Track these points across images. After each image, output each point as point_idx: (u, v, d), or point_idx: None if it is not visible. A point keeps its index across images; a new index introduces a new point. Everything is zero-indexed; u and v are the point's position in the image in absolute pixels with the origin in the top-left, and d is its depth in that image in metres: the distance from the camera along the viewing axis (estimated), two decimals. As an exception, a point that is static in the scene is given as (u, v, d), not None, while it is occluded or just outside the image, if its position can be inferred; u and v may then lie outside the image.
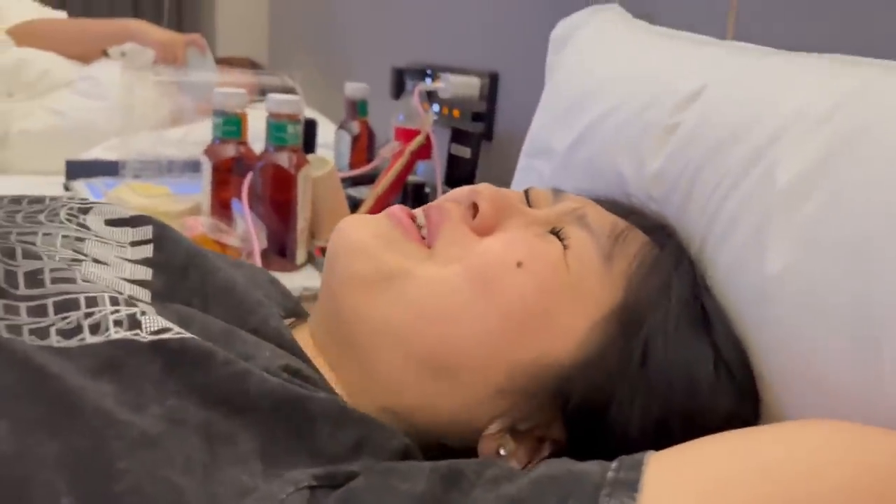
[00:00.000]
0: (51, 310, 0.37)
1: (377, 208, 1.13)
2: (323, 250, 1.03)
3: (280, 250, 0.98)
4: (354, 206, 1.16)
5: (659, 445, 0.38)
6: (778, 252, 0.46)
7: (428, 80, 1.30)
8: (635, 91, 0.64)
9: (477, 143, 1.17)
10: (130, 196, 1.10)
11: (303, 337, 0.48)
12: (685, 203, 0.56)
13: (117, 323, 0.37)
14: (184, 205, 1.08)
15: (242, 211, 0.95)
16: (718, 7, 0.76)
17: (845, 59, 0.54)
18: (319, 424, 0.36)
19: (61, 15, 1.87)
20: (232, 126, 1.01)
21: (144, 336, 0.36)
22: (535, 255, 0.45)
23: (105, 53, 1.67)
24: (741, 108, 0.54)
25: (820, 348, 0.43)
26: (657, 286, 0.47)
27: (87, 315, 0.37)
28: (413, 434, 0.44)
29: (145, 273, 0.47)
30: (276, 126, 0.96)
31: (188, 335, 0.37)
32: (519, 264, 0.44)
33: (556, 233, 0.48)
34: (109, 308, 0.37)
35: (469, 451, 0.45)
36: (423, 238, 0.47)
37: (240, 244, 0.95)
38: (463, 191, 0.50)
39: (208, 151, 1.02)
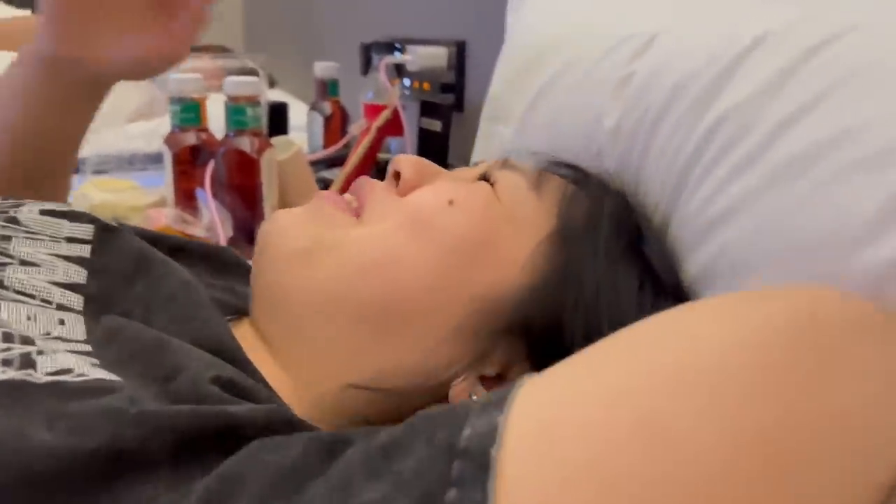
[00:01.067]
0: None
1: (347, 188, 1.10)
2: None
3: (248, 237, 0.95)
4: (326, 187, 1.13)
5: None
6: (725, 181, 0.45)
7: (397, 53, 1.26)
8: (588, 45, 0.61)
9: (447, 115, 1.14)
10: (94, 192, 1.08)
11: (246, 334, 0.46)
12: (644, 156, 0.53)
13: (6, 362, 0.33)
14: (150, 198, 1.05)
15: (206, 200, 0.93)
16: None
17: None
18: (244, 431, 0.32)
19: (26, 13, 1.83)
20: (190, 113, 0.98)
21: (39, 377, 0.32)
22: (464, 193, 0.46)
23: None
24: (698, 46, 0.51)
25: (764, 272, 0.42)
26: (588, 208, 0.48)
27: None
28: (382, 409, 0.42)
29: (78, 275, 0.44)
30: (234, 109, 0.93)
31: (92, 377, 0.33)
32: (450, 202, 0.45)
33: (483, 178, 0.49)
34: (0, 345, 0.34)
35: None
36: (354, 209, 0.48)
37: (205, 234, 0.92)
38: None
39: (168, 140, 0.99)
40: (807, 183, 0.40)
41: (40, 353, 0.34)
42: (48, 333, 0.38)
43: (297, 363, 0.44)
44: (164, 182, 1.03)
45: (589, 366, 0.30)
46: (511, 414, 0.27)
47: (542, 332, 0.43)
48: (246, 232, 0.95)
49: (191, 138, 0.98)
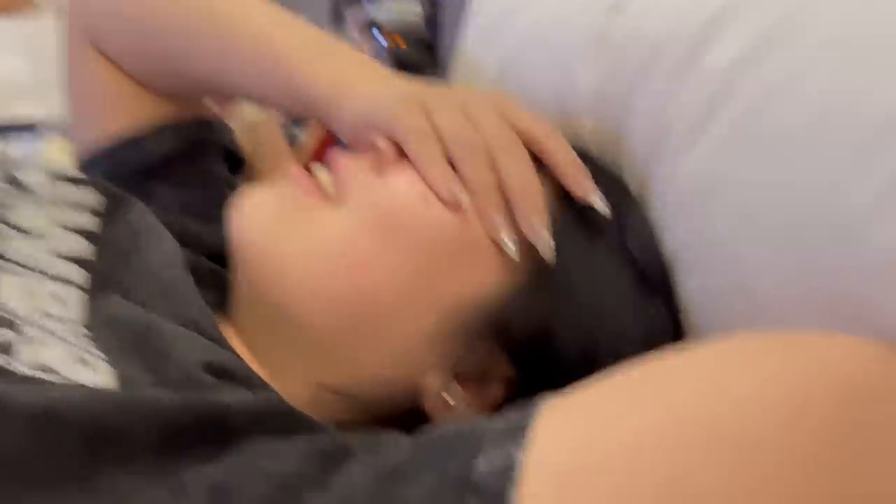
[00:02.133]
0: None
1: (319, 148, 1.08)
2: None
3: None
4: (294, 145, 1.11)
5: (598, 369, 0.37)
6: (710, 155, 0.43)
7: (369, 5, 1.23)
8: (559, 2, 0.58)
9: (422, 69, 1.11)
10: (62, 156, 1.05)
11: (226, 323, 0.46)
12: (623, 122, 0.51)
13: None
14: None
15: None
16: None
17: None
18: (233, 420, 0.32)
19: None
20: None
21: (21, 368, 0.32)
22: None
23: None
24: (674, 4, 0.49)
25: (753, 261, 0.40)
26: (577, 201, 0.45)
27: None
28: (356, 411, 0.42)
29: (85, 248, 0.43)
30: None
31: (75, 381, 0.32)
32: (424, 199, 0.41)
33: None
34: None
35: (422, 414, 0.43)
36: (326, 192, 0.45)
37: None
38: None
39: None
40: (800, 163, 0.38)
41: (27, 342, 0.33)
42: (48, 314, 0.37)
43: (272, 357, 0.43)
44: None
45: (611, 405, 0.29)
46: (529, 453, 0.26)
47: (524, 334, 0.42)
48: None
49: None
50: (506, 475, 0.25)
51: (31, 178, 0.45)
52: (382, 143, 0.43)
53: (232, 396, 0.33)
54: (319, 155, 1.08)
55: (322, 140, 1.05)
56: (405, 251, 0.41)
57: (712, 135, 0.43)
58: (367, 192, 0.43)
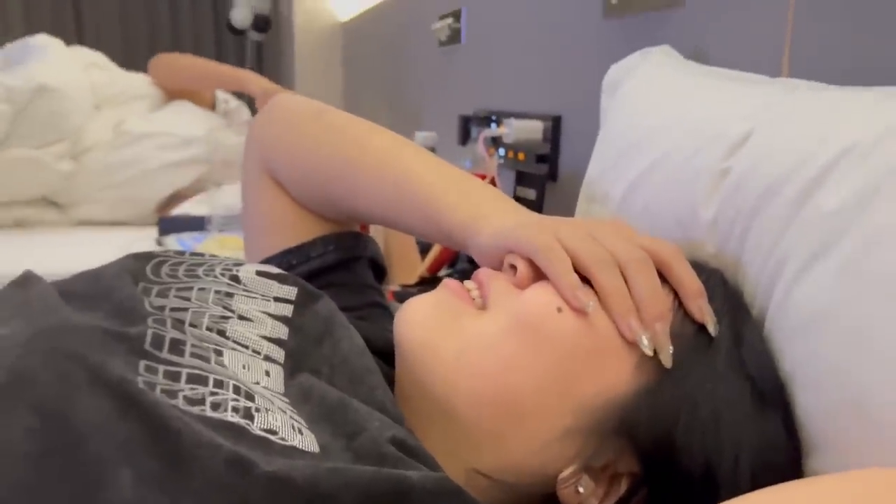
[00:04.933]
0: (183, 378, 0.41)
1: (445, 253, 1.17)
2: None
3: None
4: (424, 250, 1.20)
5: (718, 476, 0.43)
6: (824, 286, 0.47)
7: (493, 125, 1.33)
8: (685, 137, 0.65)
9: (542, 184, 1.19)
10: (217, 250, 1.18)
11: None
12: (741, 249, 0.56)
13: (235, 409, 0.40)
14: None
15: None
16: (772, 43, 0.77)
17: (893, 90, 0.54)
18: (416, 495, 0.38)
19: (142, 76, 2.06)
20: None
21: (255, 430, 0.39)
22: None
23: (213, 100, 1.87)
24: (791, 148, 0.55)
25: (866, 383, 0.43)
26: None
27: (213, 393, 0.41)
28: (498, 499, 0.47)
29: (283, 332, 0.51)
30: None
31: (289, 443, 0.40)
32: (559, 309, 0.47)
33: None
34: (231, 395, 0.41)
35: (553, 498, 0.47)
36: (474, 300, 0.51)
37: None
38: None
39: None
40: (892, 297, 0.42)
41: (257, 410, 0.41)
42: (257, 382, 0.46)
43: (430, 442, 0.48)
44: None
45: None
46: None
47: (650, 434, 0.46)
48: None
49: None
50: None
51: (243, 274, 0.55)
52: (520, 263, 0.50)
53: (415, 473, 0.39)
54: (435, 268, 1.17)
55: (439, 255, 1.13)
56: (542, 354, 0.46)
57: (825, 268, 0.47)
58: (510, 303, 0.49)
